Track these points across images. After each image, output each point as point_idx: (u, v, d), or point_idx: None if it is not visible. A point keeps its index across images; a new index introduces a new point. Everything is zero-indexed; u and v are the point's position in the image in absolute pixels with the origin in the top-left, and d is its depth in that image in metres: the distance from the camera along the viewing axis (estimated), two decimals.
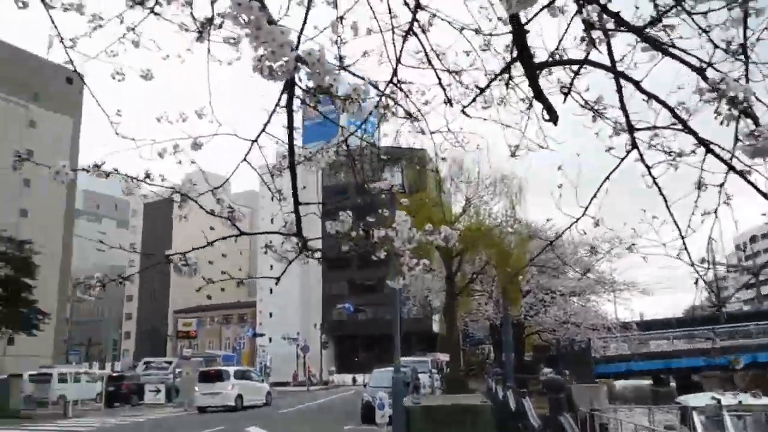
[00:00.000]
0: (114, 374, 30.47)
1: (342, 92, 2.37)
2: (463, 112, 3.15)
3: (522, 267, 18.20)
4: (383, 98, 3.33)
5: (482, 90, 3.08)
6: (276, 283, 3.26)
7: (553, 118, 2.80)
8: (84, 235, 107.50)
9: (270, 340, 70.36)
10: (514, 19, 2.52)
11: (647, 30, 2.62)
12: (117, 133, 3.06)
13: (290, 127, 2.64)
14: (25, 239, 37.47)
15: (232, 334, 74.92)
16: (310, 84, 2.25)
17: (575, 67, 2.97)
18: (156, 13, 2.99)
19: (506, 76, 3.05)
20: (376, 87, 3.32)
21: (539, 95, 2.74)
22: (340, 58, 3.38)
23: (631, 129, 2.86)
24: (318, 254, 2.72)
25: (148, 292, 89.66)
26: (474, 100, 3.09)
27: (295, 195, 2.69)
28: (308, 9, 2.63)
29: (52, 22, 2.99)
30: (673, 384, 45.32)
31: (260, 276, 79.97)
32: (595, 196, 3.13)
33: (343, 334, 73.01)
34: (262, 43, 1.65)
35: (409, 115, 3.50)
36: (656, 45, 2.51)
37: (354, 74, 3.23)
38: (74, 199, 68.37)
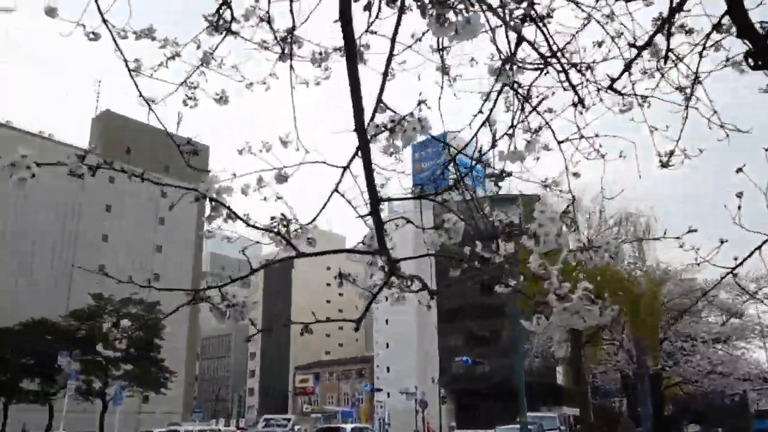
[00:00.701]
0: (238, 430, 30.99)
1: None
2: (611, 87, 2.51)
3: (664, 315, 16.55)
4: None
5: (632, 61, 2.44)
6: (356, 328, 2.67)
7: None
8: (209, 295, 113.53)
9: (388, 395, 69.51)
10: None
11: None
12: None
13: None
14: (154, 301, 39.77)
15: (350, 390, 74.87)
16: None
17: None
18: (233, 33, 2.70)
19: (662, 49, 2.41)
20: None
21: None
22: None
23: None
24: (416, 288, 2.12)
25: (269, 350, 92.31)
26: (624, 72, 2.45)
27: (371, 185, 2.09)
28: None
29: (122, 54, 2.74)
30: None
31: (374, 328, 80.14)
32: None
33: (461, 388, 70.71)
34: None
35: (529, 128, 2.94)
36: None
37: None
38: (200, 262, 72.24)
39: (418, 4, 1.63)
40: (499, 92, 2.82)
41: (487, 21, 2.52)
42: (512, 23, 2.44)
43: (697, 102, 2.75)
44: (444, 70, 3.04)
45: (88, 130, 74.24)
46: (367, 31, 2.47)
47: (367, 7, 2.03)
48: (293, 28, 2.60)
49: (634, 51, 2.54)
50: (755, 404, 27.03)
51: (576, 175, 3.30)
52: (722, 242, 2.53)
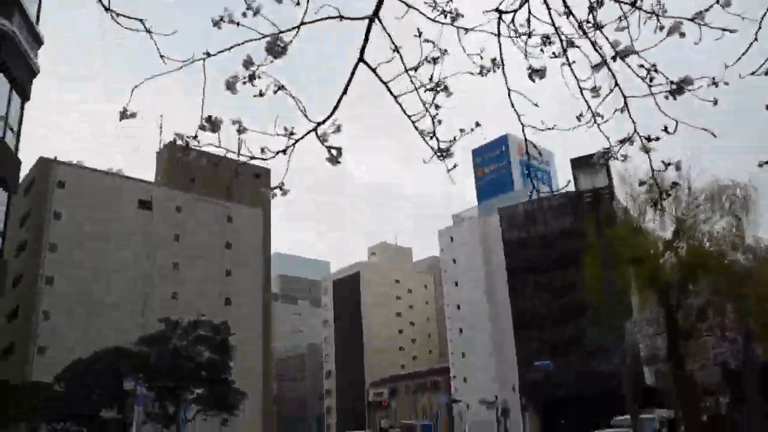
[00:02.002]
0: None
1: None
2: None
3: None
4: None
5: None
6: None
7: None
8: (282, 316, 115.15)
9: (468, 406, 67.61)
10: None
11: None
12: None
13: None
14: (223, 320, 39.84)
15: (427, 402, 73.30)
16: None
17: None
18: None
19: None
20: None
21: None
22: None
23: None
24: None
25: (344, 368, 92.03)
26: None
27: None
28: None
29: None
30: None
31: (448, 337, 78.43)
32: None
33: (543, 396, 68.01)
34: None
35: None
36: None
37: None
38: (270, 284, 72.78)
39: None
40: None
41: None
42: None
43: None
44: None
45: (154, 164, 76.66)
46: None
47: None
48: None
49: None
50: None
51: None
52: None
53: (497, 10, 2.65)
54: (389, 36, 2.47)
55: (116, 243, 58.43)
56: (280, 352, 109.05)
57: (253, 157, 2.58)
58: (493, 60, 2.78)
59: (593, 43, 2.56)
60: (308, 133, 2.51)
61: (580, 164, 63.20)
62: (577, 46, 2.63)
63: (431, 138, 2.75)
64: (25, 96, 17.12)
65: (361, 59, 2.46)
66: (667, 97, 2.54)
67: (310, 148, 2.80)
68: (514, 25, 2.68)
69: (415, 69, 2.61)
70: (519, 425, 51.74)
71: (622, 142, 2.75)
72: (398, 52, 2.50)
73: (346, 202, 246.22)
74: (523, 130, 2.87)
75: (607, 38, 2.55)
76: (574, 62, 2.67)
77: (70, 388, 35.50)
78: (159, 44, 2.49)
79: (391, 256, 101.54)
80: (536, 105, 2.98)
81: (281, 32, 2.33)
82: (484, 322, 73.73)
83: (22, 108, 17.25)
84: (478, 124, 2.82)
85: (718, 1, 2.42)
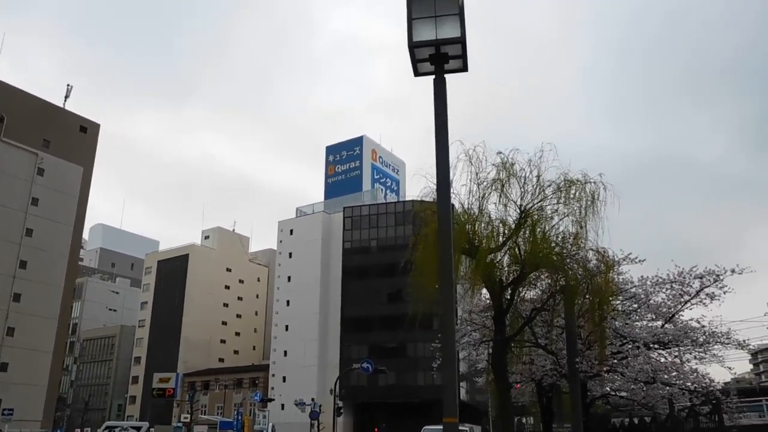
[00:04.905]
0: None
1: None
2: None
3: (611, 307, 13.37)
4: None
5: None
6: None
7: None
8: (96, 293, 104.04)
9: (282, 406, 64.39)
10: None
11: None
12: None
13: None
14: None
15: (242, 399, 69.00)
16: None
17: None
18: None
19: None
20: None
21: None
22: None
23: None
24: None
25: (156, 355, 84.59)
26: None
27: None
28: None
29: None
30: None
31: (273, 334, 74.79)
32: None
33: (362, 402, 66.82)
34: None
35: None
36: None
37: None
38: (77, 252, 64.31)
39: None
40: None
41: None
42: None
43: None
44: None
45: None
46: None
47: None
48: None
49: None
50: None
51: None
52: None
53: None
54: None
55: None
56: (88, 331, 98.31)
57: None
58: None
59: None
60: None
61: None
62: None
63: None
64: None
65: None
66: None
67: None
68: None
69: None
70: (330, 429, 49.50)
71: None
72: None
73: (191, 184, 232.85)
74: None
75: None
76: None
77: None
78: None
79: (226, 242, 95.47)
80: None
81: None
82: (312, 322, 71.08)
83: None
84: None
85: None
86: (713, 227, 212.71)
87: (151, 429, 18.75)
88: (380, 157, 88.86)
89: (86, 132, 65.83)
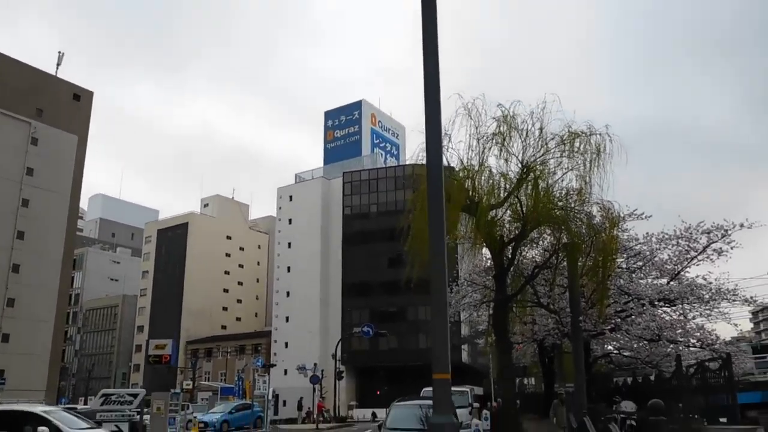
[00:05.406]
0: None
1: None
2: None
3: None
4: None
5: None
6: None
7: None
8: (97, 263, 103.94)
9: (285, 372, 64.73)
10: None
11: None
12: None
13: None
14: None
15: (245, 365, 69.38)
16: None
17: None
18: None
19: None
20: None
21: None
22: None
23: None
24: None
25: (159, 323, 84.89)
26: None
27: None
28: None
29: None
30: None
31: (274, 300, 74.84)
32: None
33: (364, 366, 67.20)
34: None
35: None
36: None
37: None
38: (76, 222, 63.82)
39: None
40: None
41: None
42: None
43: None
44: None
45: None
46: None
47: None
48: None
49: None
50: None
51: None
52: None
53: None
54: None
55: None
56: (90, 302, 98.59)
57: None
58: None
59: None
60: None
61: None
62: None
63: None
64: None
65: None
66: None
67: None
68: None
69: None
70: (334, 393, 49.73)
71: None
72: None
73: (186, 152, 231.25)
74: None
75: None
76: None
77: None
78: None
79: (226, 209, 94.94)
80: None
81: None
82: (313, 288, 71.03)
83: None
84: None
85: None
86: (720, 189, 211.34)
87: (147, 396, 18.64)
88: (380, 121, 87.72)
89: (79, 100, 64.76)
